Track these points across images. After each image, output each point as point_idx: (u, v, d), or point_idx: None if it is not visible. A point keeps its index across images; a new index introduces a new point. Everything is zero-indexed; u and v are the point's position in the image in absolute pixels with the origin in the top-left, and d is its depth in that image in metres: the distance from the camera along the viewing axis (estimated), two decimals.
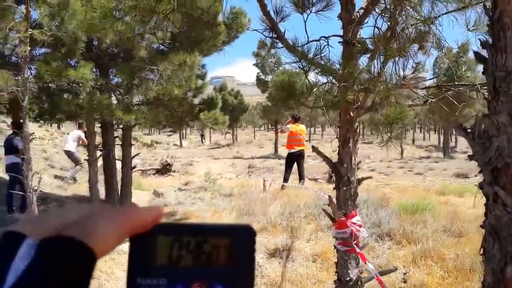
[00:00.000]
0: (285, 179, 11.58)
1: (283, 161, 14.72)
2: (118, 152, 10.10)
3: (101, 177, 9.89)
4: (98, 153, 9.36)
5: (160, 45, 7.33)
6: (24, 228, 0.38)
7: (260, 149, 35.73)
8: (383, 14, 2.58)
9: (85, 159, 10.48)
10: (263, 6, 2.79)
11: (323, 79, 2.80)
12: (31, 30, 4.88)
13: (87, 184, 9.93)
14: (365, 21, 2.82)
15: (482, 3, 2.36)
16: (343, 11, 2.96)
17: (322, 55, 2.70)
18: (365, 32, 3.33)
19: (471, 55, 3.00)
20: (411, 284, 5.11)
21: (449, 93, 2.90)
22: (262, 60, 30.37)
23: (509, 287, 1.55)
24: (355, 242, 3.13)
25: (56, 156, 16.94)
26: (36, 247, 0.36)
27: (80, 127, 12.91)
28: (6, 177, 8.69)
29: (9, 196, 7.99)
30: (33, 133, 5.85)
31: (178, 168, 19.28)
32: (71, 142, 12.94)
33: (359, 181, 3.16)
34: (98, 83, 7.18)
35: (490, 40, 1.63)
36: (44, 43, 5.38)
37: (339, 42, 2.78)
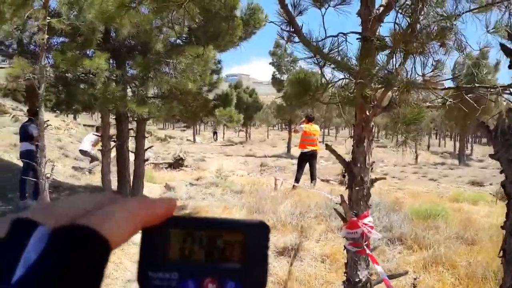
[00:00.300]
0: (297, 179, 11.53)
1: (295, 161, 14.65)
2: (131, 144, 10.17)
3: (114, 168, 9.96)
4: (112, 144, 9.42)
5: (177, 39, 7.33)
6: (35, 215, 0.36)
7: (273, 148, 35.69)
8: (403, 11, 2.51)
9: (98, 149, 10.58)
10: None
11: (339, 75, 2.75)
12: (49, 18, 4.91)
13: (100, 175, 10.02)
14: (384, 18, 2.76)
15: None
16: (363, 7, 2.89)
17: (340, 49, 2.64)
18: (383, 30, 3.26)
19: (490, 59, 2.92)
20: None
21: (469, 95, 2.82)
22: (278, 59, 30.28)
23: None
24: (365, 243, 3.07)
25: (70, 145, 17.13)
26: (48, 236, 0.34)
27: (97, 130, 13.15)
28: (21, 163, 8.80)
29: (22, 182, 8.08)
30: (48, 120, 5.90)
31: (190, 163, 19.36)
32: (87, 143, 13.22)
33: (373, 181, 3.10)
34: (114, 75, 7.21)
35: None
36: (62, 32, 5.41)
37: (357, 39, 2.71)
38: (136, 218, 0.39)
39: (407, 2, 2.43)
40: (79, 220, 0.36)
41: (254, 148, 34.60)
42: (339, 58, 2.64)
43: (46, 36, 4.97)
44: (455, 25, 2.29)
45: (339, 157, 3.09)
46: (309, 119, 11.91)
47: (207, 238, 0.42)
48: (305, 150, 11.60)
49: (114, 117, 9.44)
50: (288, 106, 29.14)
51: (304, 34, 2.63)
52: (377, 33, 2.68)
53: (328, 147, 3.20)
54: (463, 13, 2.36)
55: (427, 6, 2.26)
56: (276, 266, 5.74)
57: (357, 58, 2.65)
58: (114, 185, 9.77)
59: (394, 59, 2.44)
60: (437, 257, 5.70)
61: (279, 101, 32.45)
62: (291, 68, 29.84)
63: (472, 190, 14.58)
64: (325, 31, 2.65)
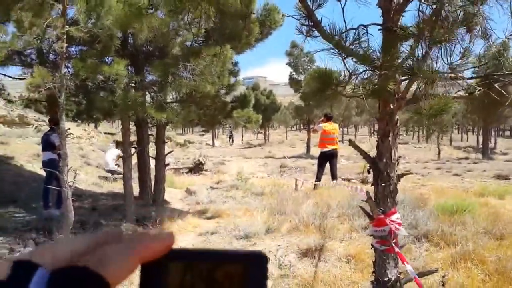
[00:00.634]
0: (318, 179, 11.42)
1: (315, 161, 14.54)
2: (152, 150, 10.24)
3: (135, 175, 10.03)
4: (133, 150, 9.50)
5: (194, 42, 7.34)
6: (35, 257, 0.37)
7: (292, 149, 35.57)
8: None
9: (119, 155, 10.69)
10: None
11: (361, 68, 2.67)
12: (67, 26, 4.96)
13: (121, 182, 10.10)
14: (406, 8, 2.68)
15: None
16: None
17: (361, 41, 2.56)
18: (405, 20, 3.17)
19: None
20: (450, 287, 4.90)
21: (496, 84, 2.71)
22: (295, 59, 30.18)
23: None
24: (394, 241, 2.98)
25: (92, 154, 17.36)
26: (48, 278, 0.35)
27: (117, 145, 13.34)
28: (44, 173, 8.92)
29: (46, 191, 8.18)
30: (69, 128, 5.95)
31: (210, 167, 19.43)
32: (111, 162, 13.46)
33: (399, 177, 3.01)
34: (133, 81, 7.26)
35: None
36: (80, 40, 5.47)
37: (379, 30, 2.64)
38: (135, 256, 0.39)
39: None
40: (78, 261, 0.37)
41: (273, 149, 34.54)
42: (361, 52, 2.57)
43: (65, 45, 5.03)
44: (481, 10, 2.20)
45: (363, 152, 3.01)
46: (328, 118, 11.80)
47: (206, 270, 0.42)
48: (325, 149, 11.49)
49: (134, 123, 9.52)
50: (306, 106, 29.06)
51: (324, 28, 2.58)
52: (399, 24, 2.60)
53: (351, 143, 3.13)
54: None
55: None
56: (300, 268, 5.66)
57: (379, 50, 2.58)
58: (135, 191, 9.84)
59: (419, 48, 2.35)
60: (465, 253, 5.55)
61: (297, 101, 32.39)
62: (308, 67, 29.74)
63: (497, 184, 14.21)
64: (345, 23, 2.59)
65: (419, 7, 2.39)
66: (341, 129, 40.42)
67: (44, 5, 4.81)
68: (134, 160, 9.93)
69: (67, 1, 4.77)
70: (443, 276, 5.00)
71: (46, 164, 8.32)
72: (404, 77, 2.65)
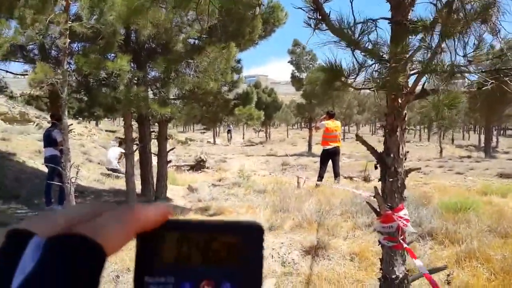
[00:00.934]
0: (320, 176, 11.37)
1: (316, 159, 14.50)
2: (153, 148, 10.22)
3: (137, 172, 10.01)
4: (135, 147, 9.48)
5: (197, 39, 7.31)
6: (30, 226, 0.37)
7: (293, 147, 35.55)
8: None
9: (122, 152, 10.66)
10: None
11: (370, 62, 2.63)
12: (70, 22, 4.93)
13: (123, 179, 10.09)
14: (415, 2, 2.64)
15: None
16: None
17: (369, 35, 2.52)
18: (413, 14, 3.11)
19: None
20: (455, 286, 4.87)
21: (506, 78, 2.66)
22: (297, 58, 30.12)
23: None
24: (401, 237, 2.95)
25: (94, 151, 17.35)
26: (43, 245, 0.35)
27: (120, 145, 13.32)
28: (46, 170, 8.90)
29: (48, 187, 8.16)
30: (71, 124, 5.93)
31: (211, 164, 19.41)
32: (114, 160, 13.43)
33: (407, 172, 2.97)
34: (135, 77, 7.23)
35: None
36: (83, 36, 5.43)
37: (388, 23, 2.60)
38: (131, 225, 0.39)
39: None
40: (74, 228, 0.36)
41: (274, 147, 34.50)
42: (370, 46, 2.53)
43: (68, 41, 4.99)
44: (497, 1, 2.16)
45: (370, 147, 2.98)
46: (330, 116, 11.74)
47: (202, 241, 0.42)
48: (328, 147, 11.44)
49: (135, 120, 9.50)
50: (308, 104, 29.03)
51: (332, 21, 2.54)
52: (408, 17, 2.56)
53: (358, 138, 3.09)
54: None
55: None
56: (304, 266, 5.63)
57: (388, 44, 2.54)
58: (137, 188, 9.82)
59: (431, 41, 2.31)
60: (470, 251, 5.52)
61: (299, 100, 32.37)
62: (310, 65, 29.70)
63: (500, 183, 14.17)
64: (354, 17, 2.55)
65: None
66: (342, 127, 40.38)
67: (47, 2, 4.77)
68: (136, 157, 9.91)
69: None
70: (448, 275, 4.97)
71: (48, 160, 8.29)
72: (413, 72, 2.62)
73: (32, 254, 0.34)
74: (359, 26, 2.53)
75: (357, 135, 3.06)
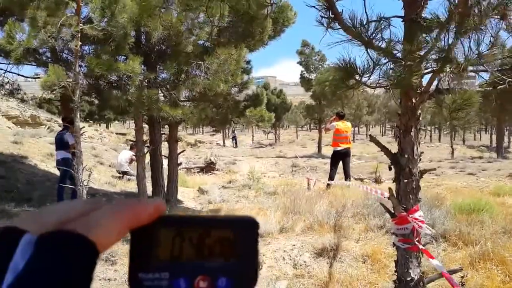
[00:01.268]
0: (331, 178, 11.30)
1: (326, 161, 14.44)
2: (164, 150, 10.24)
3: (148, 174, 10.04)
4: (145, 149, 9.51)
5: (207, 41, 7.31)
6: (22, 223, 0.37)
7: (303, 149, 35.45)
8: None
9: (133, 155, 10.70)
10: None
11: (384, 59, 2.58)
12: (81, 25, 4.96)
13: (134, 182, 10.13)
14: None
15: None
16: None
17: (383, 33, 2.49)
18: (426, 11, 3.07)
19: None
20: None
21: None
22: (306, 58, 30.03)
23: None
24: (417, 239, 2.90)
25: (105, 153, 17.44)
26: (35, 242, 0.34)
27: (131, 148, 13.39)
28: (57, 172, 8.96)
29: (60, 190, 8.21)
30: (83, 127, 5.96)
31: (221, 166, 19.43)
32: (125, 164, 13.49)
33: (422, 173, 2.93)
34: (147, 79, 7.25)
35: None
36: (94, 38, 5.46)
37: (402, 21, 2.56)
38: (124, 221, 0.39)
39: None
40: (66, 225, 0.36)
41: (284, 149, 34.45)
42: (383, 44, 2.49)
43: (80, 43, 5.02)
44: None
45: (384, 148, 2.94)
46: (340, 116, 11.66)
47: (196, 237, 0.42)
48: (338, 148, 11.36)
49: (146, 122, 9.53)
50: (317, 105, 28.95)
51: (345, 20, 2.51)
52: (422, 15, 2.52)
53: (372, 139, 3.05)
54: None
55: None
56: (316, 268, 5.59)
57: (401, 42, 2.50)
58: (149, 190, 9.85)
59: (446, 38, 2.27)
60: (484, 253, 5.44)
61: (308, 101, 32.28)
62: (320, 66, 29.61)
63: None
64: (367, 15, 2.52)
65: None
66: (352, 128, 40.21)
67: (61, 3, 4.81)
68: (147, 159, 9.95)
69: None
70: (462, 277, 4.90)
71: (60, 163, 8.35)
72: (427, 70, 2.58)
73: (24, 251, 0.34)
74: (373, 24, 2.50)
75: (371, 136, 3.02)
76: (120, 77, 6.35)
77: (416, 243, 2.87)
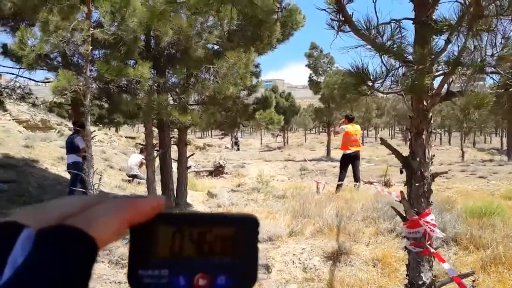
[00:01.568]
0: (340, 181, 11.26)
1: (335, 164, 14.39)
2: (173, 154, 10.28)
3: (157, 177, 10.08)
4: (155, 153, 9.55)
5: (216, 44, 7.34)
6: (23, 218, 0.37)
7: (311, 152, 35.35)
8: None
9: (143, 158, 10.75)
10: None
11: (395, 64, 2.57)
12: (92, 29, 5.00)
13: (144, 185, 10.17)
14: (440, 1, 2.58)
15: None
16: None
17: (394, 36, 2.47)
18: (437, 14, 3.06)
19: None
20: None
21: None
22: (315, 61, 29.98)
23: None
24: (428, 243, 2.87)
25: (115, 157, 17.54)
26: (34, 237, 0.34)
27: (141, 151, 13.47)
28: (68, 176, 9.02)
29: (71, 193, 8.26)
30: (94, 130, 6.01)
31: (230, 170, 19.43)
32: (134, 167, 13.56)
33: (433, 176, 2.90)
34: (156, 83, 7.29)
35: None
36: (105, 42, 5.51)
37: (412, 23, 2.55)
38: (123, 217, 0.39)
39: None
40: (65, 221, 0.36)
41: (292, 152, 34.37)
42: (395, 47, 2.48)
43: (90, 48, 5.07)
44: None
45: (395, 151, 2.92)
46: (349, 119, 11.61)
47: (196, 234, 0.42)
48: (348, 151, 11.31)
49: (155, 126, 9.58)
50: (326, 108, 28.87)
51: (355, 23, 2.50)
52: (433, 17, 2.51)
53: (383, 142, 3.03)
54: None
55: None
56: (325, 272, 5.57)
57: (412, 45, 2.49)
58: (158, 193, 9.88)
59: (457, 40, 2.25)
60: (495, 257, 5.39)
61: (317, 104, 32.21)
62: (328, 69, 29.55)
63: None
64: (377, 18, 2.51)
65: None
66: (361, 131, 40.05)
67: (74, 8, 4.87)
68: (157, 163, 9.99)
69: (92, 3, 4.81)
70: (474, 280, 4.85)
71: (71, 166, 8.41)
72: (438, 73, 2.56)
73: (23, 246, 0.34)
74: (385, 27, 2.48)
75: (381, 139, 3.00)
76: (130, 81, 6.39)
77: (428, 246, 2.85)
